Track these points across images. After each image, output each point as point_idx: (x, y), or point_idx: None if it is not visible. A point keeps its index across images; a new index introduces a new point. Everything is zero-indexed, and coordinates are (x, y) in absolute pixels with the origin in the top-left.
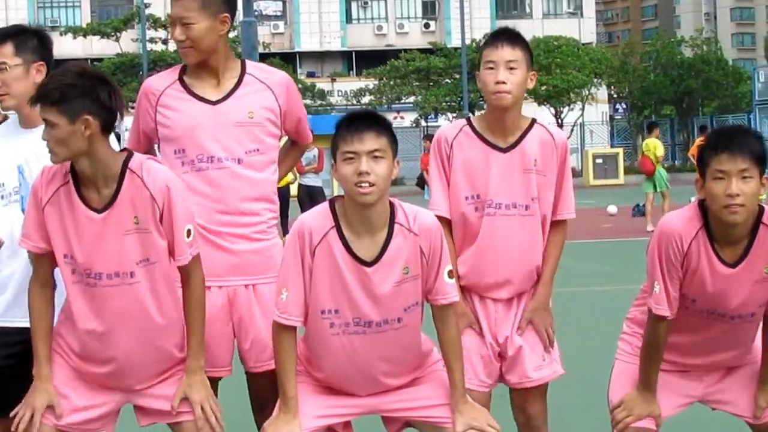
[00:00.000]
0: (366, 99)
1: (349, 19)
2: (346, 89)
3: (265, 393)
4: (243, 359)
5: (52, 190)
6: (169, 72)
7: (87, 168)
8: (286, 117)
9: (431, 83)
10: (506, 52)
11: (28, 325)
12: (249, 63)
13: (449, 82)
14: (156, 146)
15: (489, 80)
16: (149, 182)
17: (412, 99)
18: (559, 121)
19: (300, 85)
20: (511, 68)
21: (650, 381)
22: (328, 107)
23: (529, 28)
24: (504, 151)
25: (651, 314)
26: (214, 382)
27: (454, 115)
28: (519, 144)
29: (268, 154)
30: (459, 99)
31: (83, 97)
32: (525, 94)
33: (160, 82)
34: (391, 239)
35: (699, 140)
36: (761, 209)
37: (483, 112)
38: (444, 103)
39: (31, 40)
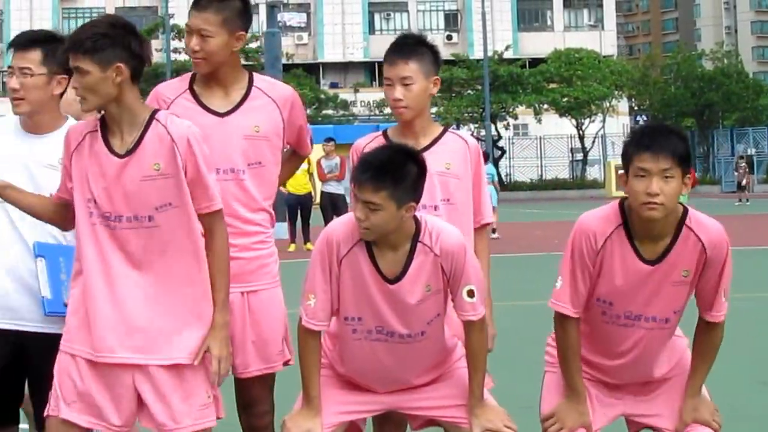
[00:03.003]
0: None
1: (371, 30)
2: (368, 100)
3: (250, 396)
4: (232, 364)
5: (79, 139)
6: (179, 80)
7: (115, 114)
8: (288, 130)
9: (453, 94)
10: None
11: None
12: (256, 76)
13: (471, 93)
14: None
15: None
16: (173, 131)
17: (434, 110)
18: (581, 132)
19: (323, 96)
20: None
21: (575, 384)
22: (351, 117)
23: (550, 41)
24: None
25: (556, 313)
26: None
27: (476, 125)
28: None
29: (269, 167)
30: (481, 110)
31: (115, 46)
32: (546, 105)
33: (171, 90)
34: (413, 257)
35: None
36: (685, 210)
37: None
38: (466, 114)
39: (60, 51)
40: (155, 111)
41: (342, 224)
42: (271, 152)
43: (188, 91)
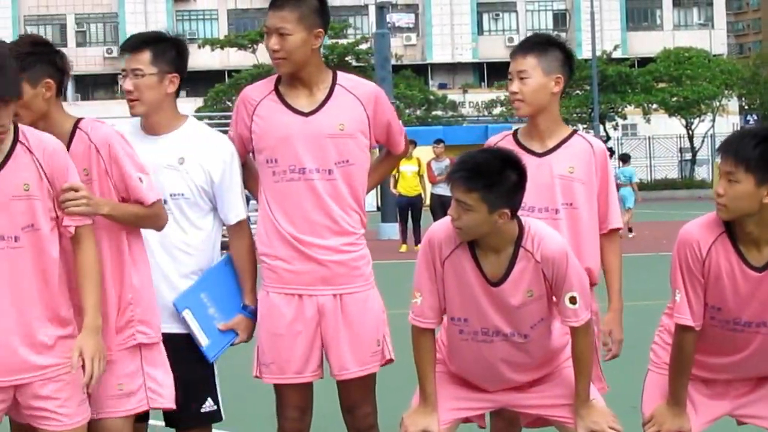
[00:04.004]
0: (497, 110)
1: (480, 30)
2: (477, 101)
3: (351, 398)
4: (330, 367)
5: None
6: (266, 82)
7: (43, 130)
8: (375, 128)
9: (562, 94)
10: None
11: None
12: (340, 74)
13: (579, 93)
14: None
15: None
16: (94, 137)
17: None
18: (690, 132)
19: (432, 97)
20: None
21: (679, 395)
22: (460, 118)
23: (659, 40)
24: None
25: (676, 325)
26: (308, 386)
27: (585, 126)
28: None
29: (357, 166)
30: (590, 110)
31: (42, 62)
32: (654, 105)
33: (257, 92)
34: (515, 262)
35: None
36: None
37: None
38: (574, 114)
39: (169, 50)
40: (78, 120)
41: (444, 226)
42: (358, 150)
43: (273, 92)
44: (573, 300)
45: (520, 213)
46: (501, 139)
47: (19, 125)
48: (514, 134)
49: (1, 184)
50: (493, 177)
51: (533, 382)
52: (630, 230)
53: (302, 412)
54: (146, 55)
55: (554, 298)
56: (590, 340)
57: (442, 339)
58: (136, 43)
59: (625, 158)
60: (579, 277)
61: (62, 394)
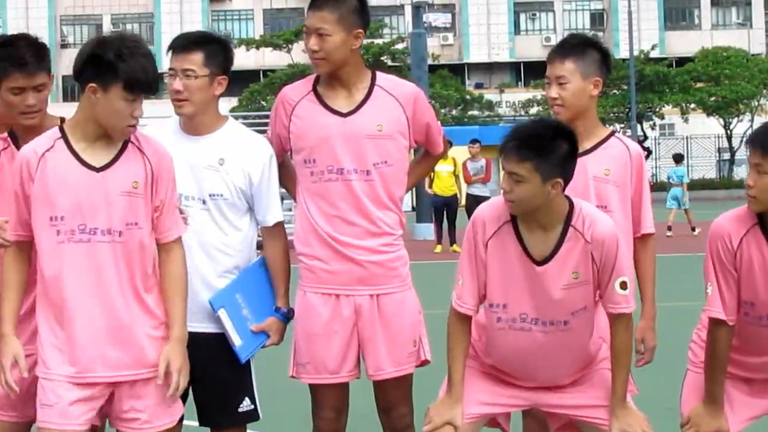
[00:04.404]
0: (534, 110)
1: (517, 30)
2: (514, 100)
3: (387, 399)
4: (366, 367)
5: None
6: (304, 82)
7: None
8: (414, 129)
9: (599, 94)
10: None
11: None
12: (379, 75)
13: (617, 93)
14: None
15: None
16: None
17: None
18: (728, 132)
19: (468, 96)
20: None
21: (715, 394)
22: (496, 118)
23: (697, 39)
24: None
25: (709, 320)
26: (344, 386)
27: (622, 126)
28: None
29: (396, 167)
30: (627, 110)
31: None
32: (692, 105)
33: (296, 92)
34: (563, 241)
35: None
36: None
37: None
38: (612, 114)
39: (220, 52)
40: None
41: (490, 205)
42: (396, 151)
43: (312, 92)
44: (623, 285)
45: None
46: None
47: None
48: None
49: (113, 179)
50: (545, 146)
51: (569, 383)
52: (693, 229)
53: (338, 413)
54: (198, 56)
55: (599, 288)
56: (631, 333)
57: (474, 335)
58: (188, 44)
59: (678, 159)
60: (629, 263)
61: (151, 400)
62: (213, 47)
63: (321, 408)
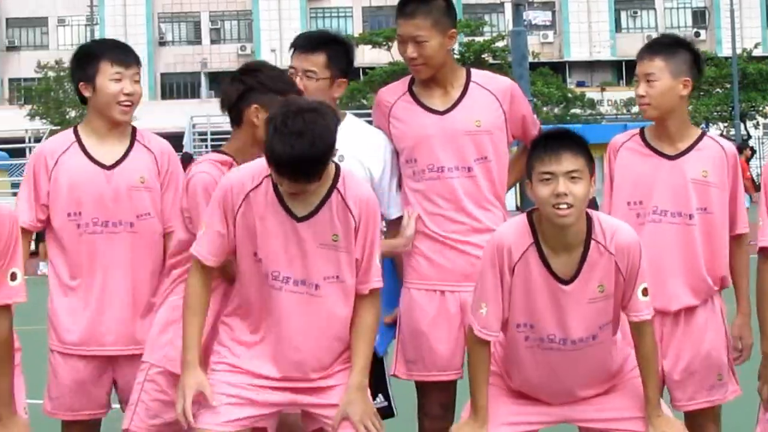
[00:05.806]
0: (635, 109)
1: (618, 28)
2: (615, 99)
3: (432, 405)
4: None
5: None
6: (400, 83)
7: None
8: (511, 122)
9: (702, 92)
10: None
11: None
12: (474, 71)
13: (720, 91)
14: None
15: None
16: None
17: None
18: None
19: (569, 95)
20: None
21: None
22: (598, 117)
23: None
24: None
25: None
26: (451, 384)
27: (725, 125)
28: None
29: (496, 162)
30: (730, 109)
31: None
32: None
33: (391, 94)
34: (587, 256)
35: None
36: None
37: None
38: (715, 113)
39: (343, 55)
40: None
41: (513, 230)
42: (495, 146)
43: (407, 93)
44: (645, 292)
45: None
46: (627, 139)
47: None
48: (641, 132)
49: (315, 230)
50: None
51: (598, 395)
52: None
53: (445, 410)
54: (321, 58)
55: (622, 299)
56: (654, 338)
57: (497, 356)
58: (312, 44)
59: None
60: (647, 267)
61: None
62: (336, 49)
63: (427, 405)
